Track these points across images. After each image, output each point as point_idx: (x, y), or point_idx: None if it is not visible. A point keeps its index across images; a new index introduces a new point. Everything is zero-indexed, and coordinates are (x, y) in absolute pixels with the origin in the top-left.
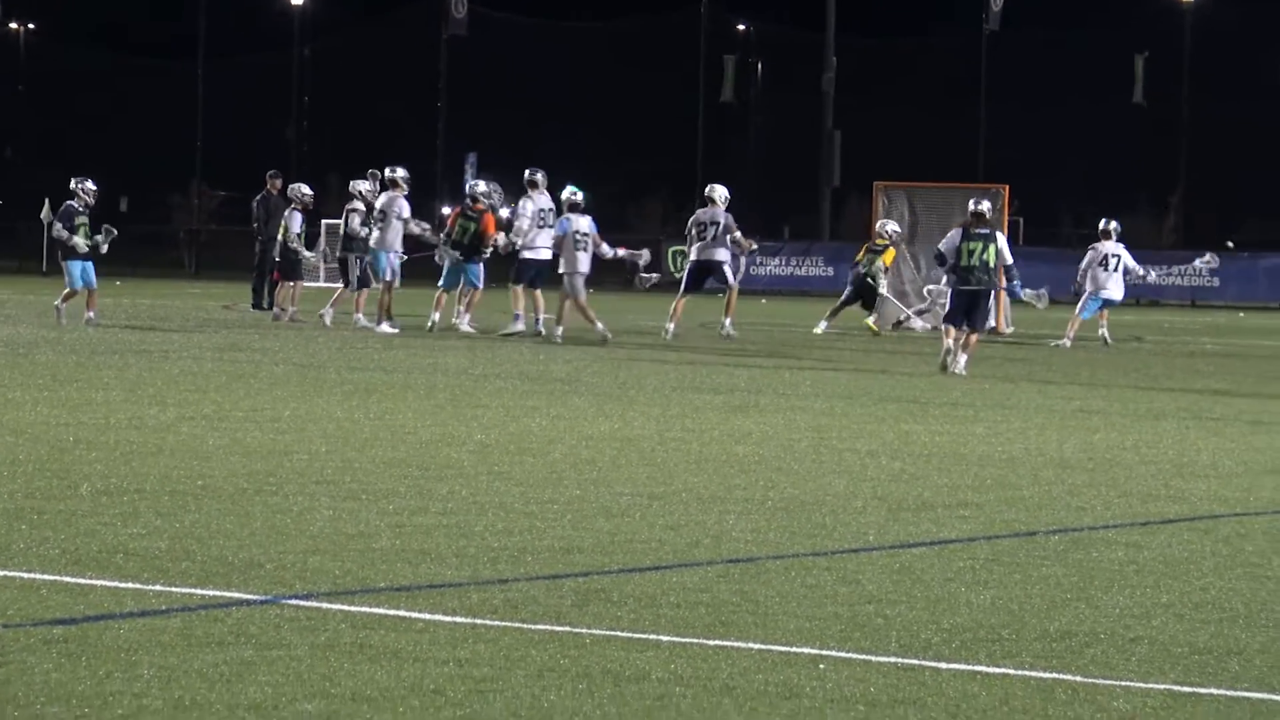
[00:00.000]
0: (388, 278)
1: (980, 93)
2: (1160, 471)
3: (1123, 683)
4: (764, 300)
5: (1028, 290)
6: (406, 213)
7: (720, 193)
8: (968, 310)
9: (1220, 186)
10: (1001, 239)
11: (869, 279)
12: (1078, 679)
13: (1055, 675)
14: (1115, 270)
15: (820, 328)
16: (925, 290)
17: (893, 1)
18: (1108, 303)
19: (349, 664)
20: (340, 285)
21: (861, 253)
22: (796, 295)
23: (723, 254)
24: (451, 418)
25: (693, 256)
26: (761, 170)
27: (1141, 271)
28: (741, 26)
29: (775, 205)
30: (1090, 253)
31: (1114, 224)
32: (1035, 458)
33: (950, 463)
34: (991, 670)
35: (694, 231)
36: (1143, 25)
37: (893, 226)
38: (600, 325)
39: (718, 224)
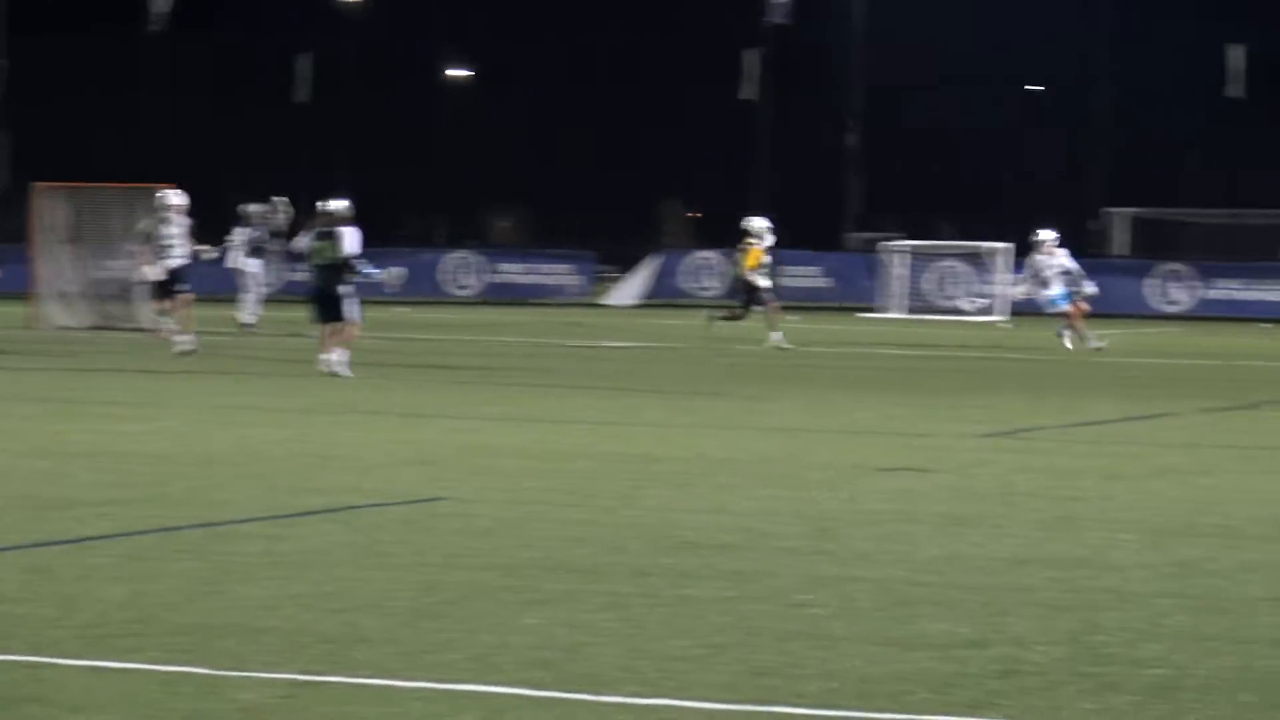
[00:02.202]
0: None
1: (145, 92)
2: (306, 465)
3: (249, 673)
4: None
5: (376, 272)
6: None
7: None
8: (324, 308)
9: (386, 183)
10: (346, 235)
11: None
12: (204, 671)
13: (182, 668)
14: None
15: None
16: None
17: (58, 1)
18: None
19: None
20: None
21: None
22: None
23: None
24: None
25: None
26: None
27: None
28: None
29: None
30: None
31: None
32: (184, 454)
33: (99, 461)
34: (118, 665)
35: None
36: (308, 26)
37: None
38: None
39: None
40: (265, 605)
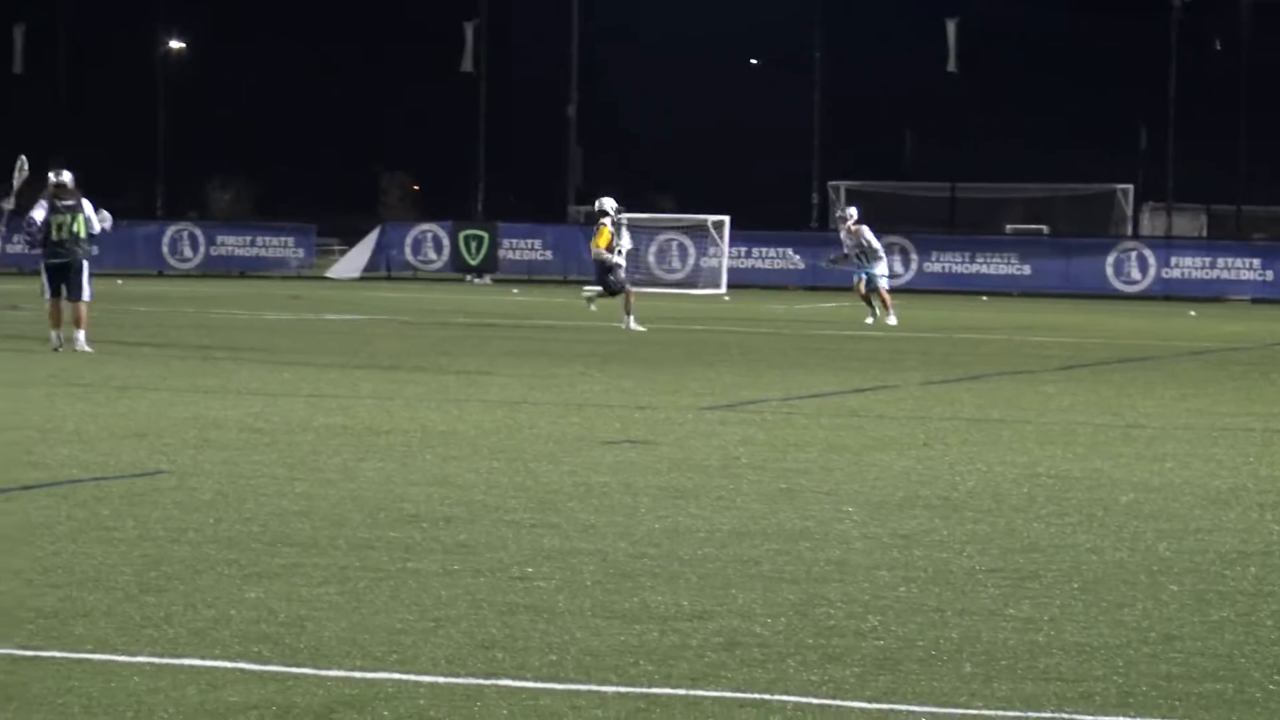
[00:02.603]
0: None
1: None
2: (24, 438)
3: None
4: None
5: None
6: None
7: None
8: (63, 282)
9: (108, 154)
10: (88, 207)
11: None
12: None
13: None
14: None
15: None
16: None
17: None
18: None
19: None
20: None
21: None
22: None
23: None
24: None
25: None
26: None
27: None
28: None
29: None
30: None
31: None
32: None
33: None
34: None
35: None
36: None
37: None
38: None
39: None
40: None
